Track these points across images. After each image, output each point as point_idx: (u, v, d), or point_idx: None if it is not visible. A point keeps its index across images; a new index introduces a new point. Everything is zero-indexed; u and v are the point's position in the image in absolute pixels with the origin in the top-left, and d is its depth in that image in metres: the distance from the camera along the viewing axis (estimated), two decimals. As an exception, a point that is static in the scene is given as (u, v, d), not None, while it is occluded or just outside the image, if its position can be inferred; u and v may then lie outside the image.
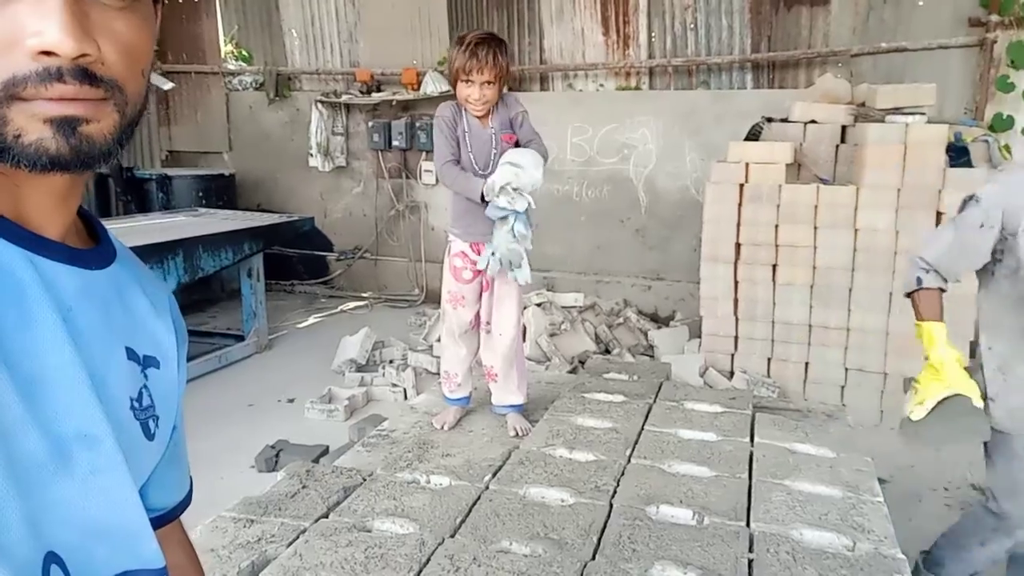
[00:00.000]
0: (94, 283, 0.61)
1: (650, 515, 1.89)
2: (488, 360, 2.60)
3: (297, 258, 7.16)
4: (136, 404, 0.63)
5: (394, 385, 4.68)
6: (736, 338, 4.50)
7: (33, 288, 0.54)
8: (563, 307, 5.24)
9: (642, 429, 2.41)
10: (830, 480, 2.11)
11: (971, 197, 2.09)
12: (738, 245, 4.37)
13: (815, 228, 4.20)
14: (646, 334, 5.21)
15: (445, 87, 6.21)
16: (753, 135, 4.62)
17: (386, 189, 6.86)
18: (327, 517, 1.88)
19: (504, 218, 2.32)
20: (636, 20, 5.81)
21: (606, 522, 1.84)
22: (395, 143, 6.58)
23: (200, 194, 6.61)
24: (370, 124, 6.65)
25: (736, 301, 4.45)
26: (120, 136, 0.55)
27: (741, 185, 4.30)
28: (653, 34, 5.80)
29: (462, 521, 1.85)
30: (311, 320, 6.35)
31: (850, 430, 2.58)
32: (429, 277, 6.82)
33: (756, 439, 2.37)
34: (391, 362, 5.02)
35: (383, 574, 1.61)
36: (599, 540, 1.77)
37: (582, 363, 4.64)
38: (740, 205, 4.32)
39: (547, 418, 2.52)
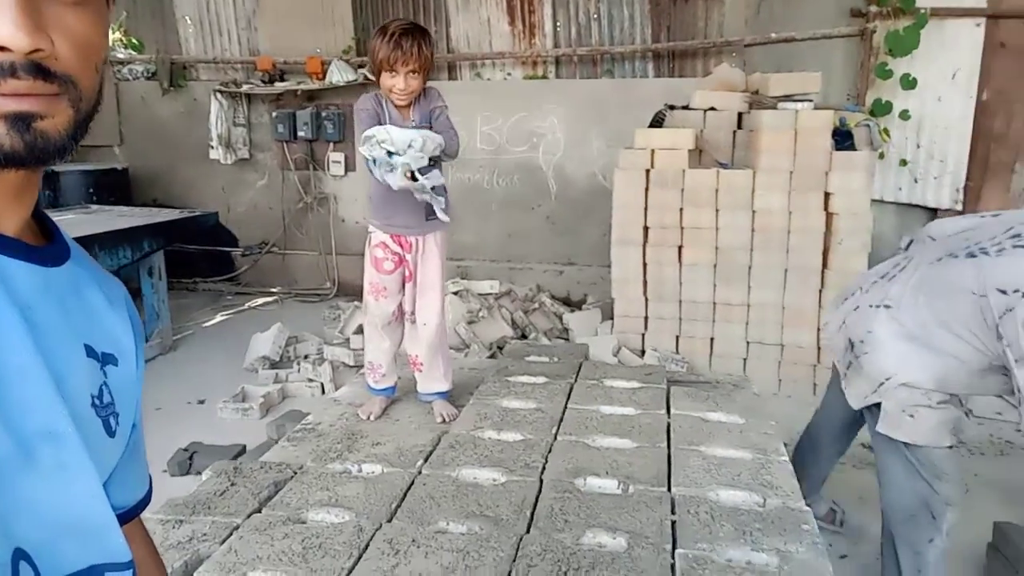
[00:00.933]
0: (51, 280, 0.60)
1: (578, 487, 1.97)
2: (413, 350, 2.62)
3: (199, 255, 6.89)
4: (97, 401, 0.63)
5: (310, 380, 4.62)
6: (646, 318, 4.68)
7: None
8: (479, 294, 5.29)
9: (565, 407, 2.50)
10: (740, 444, 2.25)
11: None
12: (646, 228, 4.54)
13: (716, 210, 4.42)
14: (560, 318, 5.34)
15: (352, 76, 6.12)
16: (657, 122, 4.80)
17: (293, 181, 6.70)
18: (260, 512, 1.86)
19: (392, 172, 2.26)
20: (541, 10, 5.90)
21: (538, 497, 1.92)
22: (301, 134, 6.43)
23: (90, 190, 6.26)
24: (274, 114, 6.47)
25: (645, 282, 4.62)
26: (75, 132, 0.55)
27: (647, 171, 4.47)
28: (558, 24, 5.91)
29: (398, 506, 1.88)
30: (218, 318, 6.14)
31: (755, 398, 2.75)
32: (341, 270, 6.73)
33: (672, 411, 2.50)
34: (306, 357, 4.95)
35: (323, 562, 1.62)
36: (532, 514, 1.84)
37: (500, 348, 4.71)
38: (647, 190, 4.49)
39: (473, 402, 2.57)
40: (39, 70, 0.51)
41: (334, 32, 6.33)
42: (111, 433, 0.64)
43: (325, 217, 6.71)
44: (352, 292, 6.57)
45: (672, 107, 4.83)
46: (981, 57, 5.25)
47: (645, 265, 4.59)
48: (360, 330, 5.00)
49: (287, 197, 6.77)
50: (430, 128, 2.40)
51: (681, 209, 4.45)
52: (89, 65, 0.56)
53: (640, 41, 5.79)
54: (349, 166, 6.55)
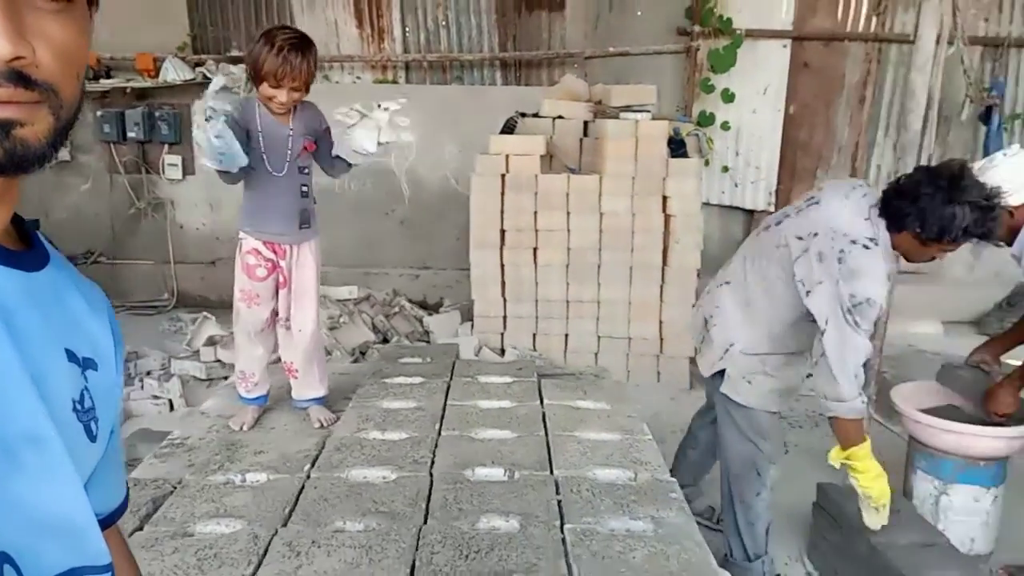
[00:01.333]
0: (32, 285, 0.60)
1: (468, 477, 2.06)
2: (288, 356, 2.58)
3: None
4: (79, 406, 0.63)
5: (156, 397, 4.36)
6: (505, 317, 4.85)
7: None
8: (338, 300, 5.22)
9: (445, 404, 2.57)
10: (609, 427, 2.45)
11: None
12: (503, 231, 4.71)
13: (568, 213, 4.67)
14: (421, 321, 5.39)
15: (189, 75, 5.81)
16: (508, 128, 4.98)
17: (122, 185, 6.23)
18: (142, 529, 1.78)
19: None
20: (390, 14, 5.93)
21: (430, 490, 1.98)
22: (131, 134, 5.99)
23: None
24: (99, 113, 5.99)
25: (503, 283, 4.79)
26: (55, 140, 0.55)
27: (503, 175, 4.64)
28: (407, 29, 5.96)
29: (291, 511, 1.87)
30: (40, 336, 5.58)
31: (617, 386, 2.97)
32: (181, 280, 6.35)
33: (545, 401, 2.65)
34: (149, 373, 4.65)
35: (221, 572, 1.59)
36: (427, 506, 1.90)
37: (363, 353, 4.69)
38: (503, 194, 4.66)
39: (354, 405, 2.58)
40: (20, 77, 0.51)
41: (167, 28, 5.98)
42: (92, 438, 0.65)
43: (161, 223, 6.30)
44: (194, 303, 6.22)
45: (523, 114, 5.04)
46: (788, 75, 5.94)
47: (503, 267, 4.75)
48: (210, 342, 4.78)
49: (116, 202, 6.29)
50: (315, 144, 2.43)
51: (535, 212, 4.66)
52: (70, 73, 0.56)
53: (488, 50, 5.97)
54: (187, 169, 6.19)
